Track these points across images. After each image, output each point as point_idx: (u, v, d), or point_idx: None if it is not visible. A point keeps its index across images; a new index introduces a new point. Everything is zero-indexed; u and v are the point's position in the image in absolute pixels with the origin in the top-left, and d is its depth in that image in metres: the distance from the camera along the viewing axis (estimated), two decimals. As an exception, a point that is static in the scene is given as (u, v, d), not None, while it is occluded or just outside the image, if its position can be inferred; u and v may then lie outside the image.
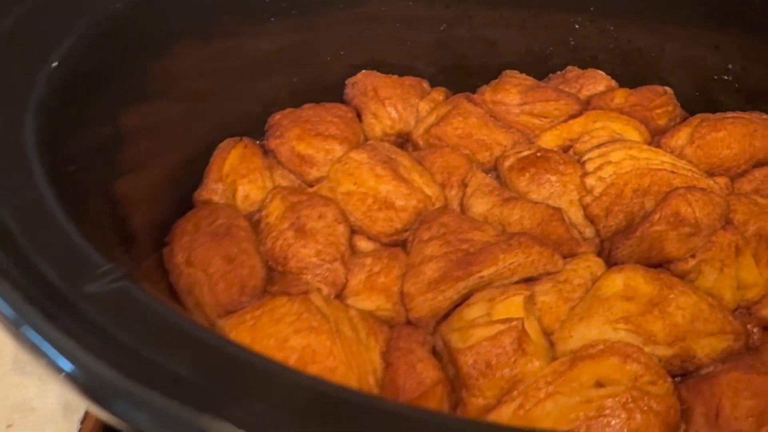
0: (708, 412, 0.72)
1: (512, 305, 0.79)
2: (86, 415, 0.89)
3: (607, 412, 0.69)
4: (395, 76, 1.18)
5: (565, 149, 1.05)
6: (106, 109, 0.84)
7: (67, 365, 0.46)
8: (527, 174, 0.97)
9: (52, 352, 0.47)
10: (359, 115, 1.15)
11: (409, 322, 0.84)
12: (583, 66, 1.21)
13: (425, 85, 1.19)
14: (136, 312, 0.53)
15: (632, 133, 1.05)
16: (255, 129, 1.12)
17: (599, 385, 0.73)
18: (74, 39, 0.82)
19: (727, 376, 0.73)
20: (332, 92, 1.18)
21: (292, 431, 0.46)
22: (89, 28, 0.83)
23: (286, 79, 1.16)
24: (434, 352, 0.81)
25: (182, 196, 1.01)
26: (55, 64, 0.79)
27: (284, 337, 0.77)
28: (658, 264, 0.87)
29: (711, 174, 1.01)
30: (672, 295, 0.79)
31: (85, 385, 0.48)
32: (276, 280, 0.88)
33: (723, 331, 0.78)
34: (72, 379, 0.47)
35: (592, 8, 1.20)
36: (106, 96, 0.84)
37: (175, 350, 0.51)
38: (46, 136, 0.70)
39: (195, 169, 1.04)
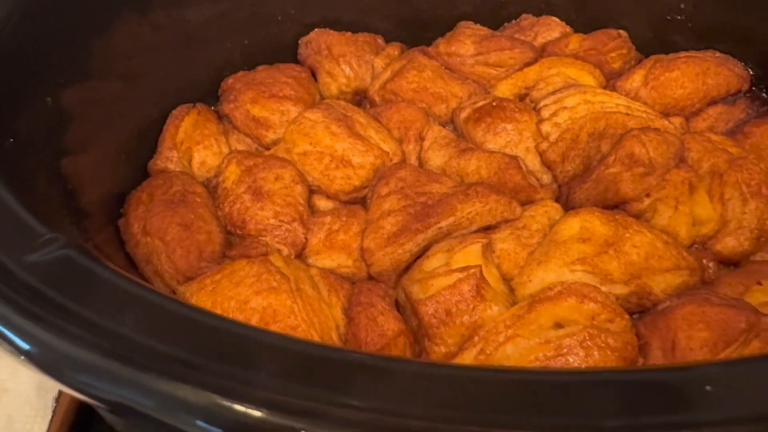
0: (664, 346, 0.73)
1: (470, 253, 0.79)
2: (60, 393, 0.88)
3: (565, 351, 0.70)
4: (349, 34, 1.16)
5: (521, 98, 1.05)
6: (44, 84, 0.82)
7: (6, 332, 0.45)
8: (483, 124, 0.97)
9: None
10: (314, 75, 1.13)
11: (370, 278, 0.84)
12: (538, 13, 1.20)
13: (380, 41, 1.17)
14: (81, 278, 0.52)
15: (587, 77, 1.05)
16: (208, 95, 1.11)
17: (558, 326, 0.73)
18: (5, 11, 0.79)
19: (681, 310, 0.74)
20: (286, 53, 1.17)
21: (266, 392, 0.44)
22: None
23: (237, 42, 1.14)
24: (397, 306, 0.82)
25: (137, 166, 0.99)
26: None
27: (245, 298, 0.77)
28: (614, 206, 0.88)
29: (666, 114, 1.01)
30: (627, 235, 0.80)
31: (32, 355, 0.47)
32: (235, 244, 0.87)
33: (678, 267, 0.80)
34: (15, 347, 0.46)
35: (545, -47, 1.19)
36: (44, 70, 0.82)
37: (125, 315, 0.50)
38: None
39: (149, 139, 1.02)
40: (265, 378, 0.43)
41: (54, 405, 0.87)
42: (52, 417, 0.85)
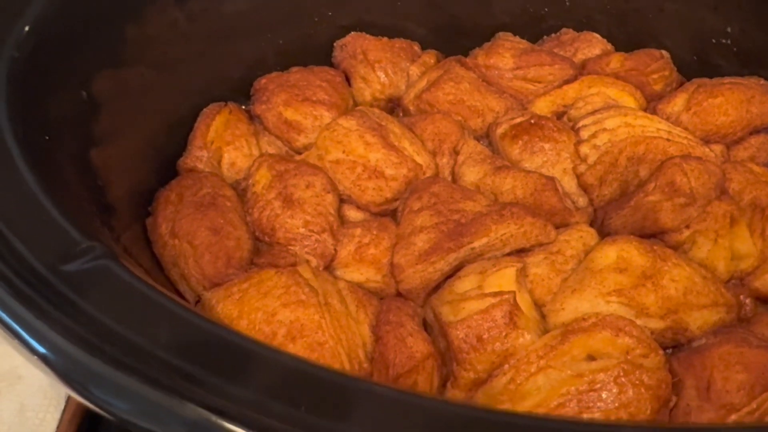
0: (699, 385, 0.71)
1: (504, 278, 0.77)
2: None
3: (599, 386, 0.68)
4: (385, 39, 1.14)
5: (559, 115, 1.03)
6: (80, 75, 0.81)
7: (40, 347, 0.44)
8: (520, 142, 0.95)
9: (25, 334, 0.45)
10: (348, 79, 1.11)
11: (398, 294, 0.83)
12: (579, 27, 1.18)
13: (416, 47, 1.15)
14: (118, 291, 0.51)
15: (628, 99, 1.03)
16: (240, 93, 1.09)
17: (591, 358, 0.72)
18: (45, 1, 0.78)
19: (719, 350, 0.72)
20: (319, 54, 1.15)
21: (277, 418, 0.44)
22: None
23: (272, 41, 1.12)
24: (424, 324, 0.80)
25: (165, 162, 0.98)
26: (26, 28, 0.75)
27: (272, 310, 0.75)
28: (651, 234, 0.86)
29: (706, 141, 0.99)
30: (665, 268, 0.78)
31: (59, 368, 0.46)
32: (263, 251, 0.86)
33: (716, 303, 0.78)
34: (45, 361, 0.45)
35: (588, -34, 1.17)
36: (79, 61, 0.81)
37: (157, 332, 0.49)
38: (17, 105, 0.67)
39: (178, 134, 1.00)
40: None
41: (67, 395, 0.86)
42: (65, 407, 0.84)
